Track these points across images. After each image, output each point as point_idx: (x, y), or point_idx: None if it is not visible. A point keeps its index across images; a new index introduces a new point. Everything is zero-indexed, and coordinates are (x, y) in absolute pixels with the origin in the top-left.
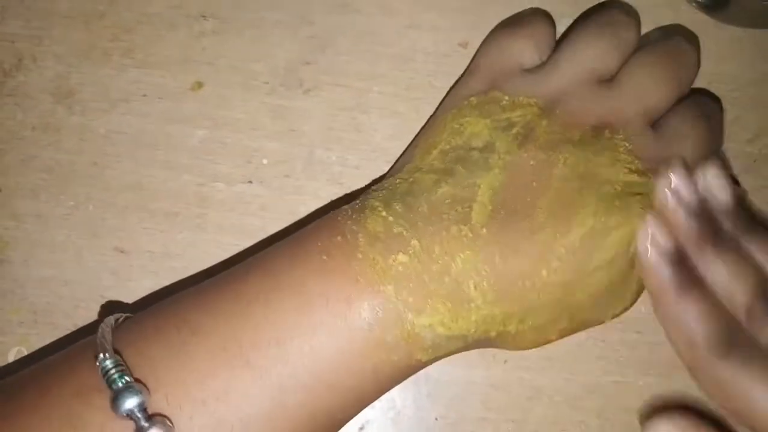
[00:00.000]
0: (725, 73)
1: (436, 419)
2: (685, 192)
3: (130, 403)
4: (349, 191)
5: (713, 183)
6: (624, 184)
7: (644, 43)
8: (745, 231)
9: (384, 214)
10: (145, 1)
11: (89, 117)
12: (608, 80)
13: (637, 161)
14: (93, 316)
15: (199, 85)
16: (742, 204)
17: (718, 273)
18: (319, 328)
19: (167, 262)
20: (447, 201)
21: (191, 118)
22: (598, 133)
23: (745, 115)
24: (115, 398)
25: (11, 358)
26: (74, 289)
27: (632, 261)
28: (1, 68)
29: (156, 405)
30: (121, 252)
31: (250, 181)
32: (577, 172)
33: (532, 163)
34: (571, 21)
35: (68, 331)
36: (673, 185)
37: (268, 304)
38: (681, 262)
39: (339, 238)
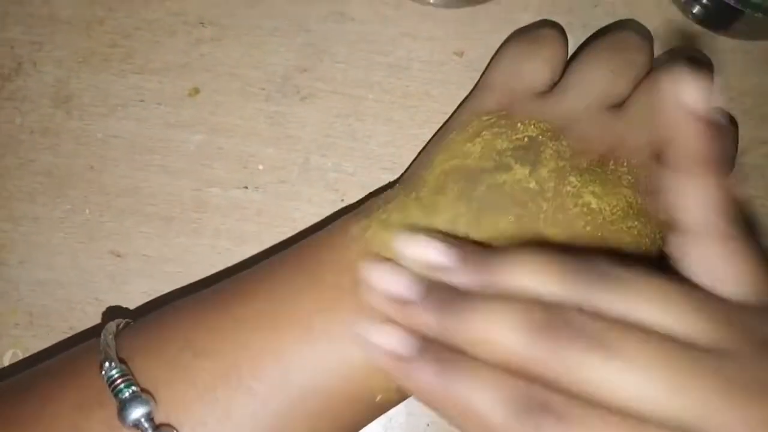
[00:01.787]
0: (721, 84)
1: (428, 425)
2: (393, 284)
3: (138, 413)
4: (344, 197)
5: (414, 256)
6: (620, 220)
7: (658, 65)
8: (485, 271)
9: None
10: (144, 7)
11: (87, 121)
12: (619, 106)
13: (637, 196)
14: (88, 318)
15: (197, 91)
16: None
17: (482, 328)
18: (324, 363)
19: (163, 266)
20: (457, 223)
21: (188, 124)
22: (604, 163)
23: (740, 125)
24: (122, 408)
25: (6, 360)
26: (70, 292)
27: None
28: (0, 73)
29: (159, 420)
30: (117, 256)
31: (246, 187)
32: (583, 202)
33: (540, 189)
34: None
35: (64, 334)
36: (378, 286)
37: (273, 335)
38: (432, 347)
39: (346, 264)
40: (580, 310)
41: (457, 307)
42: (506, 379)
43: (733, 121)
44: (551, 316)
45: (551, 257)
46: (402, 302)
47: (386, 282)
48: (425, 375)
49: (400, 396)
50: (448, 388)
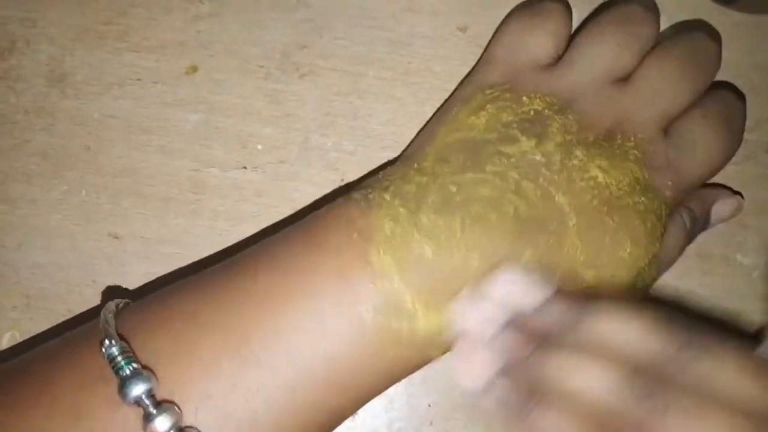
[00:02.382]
0: (727, 60)
1: (429, 406)
2: (483, 321)
3: (138, 389)
4: (344, 177)
5: (507, 298)
6: (626, 195)
7: (663, 38)
8: (578, 319)
9: (401, 210)
10: None
11: (83, 101)
12: (624, 80)
13: (644, 170)
14: (86, 301)
15: (194, 69)
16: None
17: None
18: (333, 332)
19: (161, 247)
20: (467, 198)
21: (186, 103)
22: (611, 137)
23: (747, 102)
24: (123, 385)
25: (4, 343)
26: (68, 274)
27: (633, 279)
28: None
29: (160, 396)
30: (115, 237)
31: (245, 167)
32: (590, 176)
33: (546, 161)
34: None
35: (62, 316)
36: (466, 323)
37: (280, 307)
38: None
39: (355, 235)
40: (673, 373)
41: (545, 354)
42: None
43: (740, 96)
44: (645, 376)
45: (641, 314)
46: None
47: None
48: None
49: (409, 366)
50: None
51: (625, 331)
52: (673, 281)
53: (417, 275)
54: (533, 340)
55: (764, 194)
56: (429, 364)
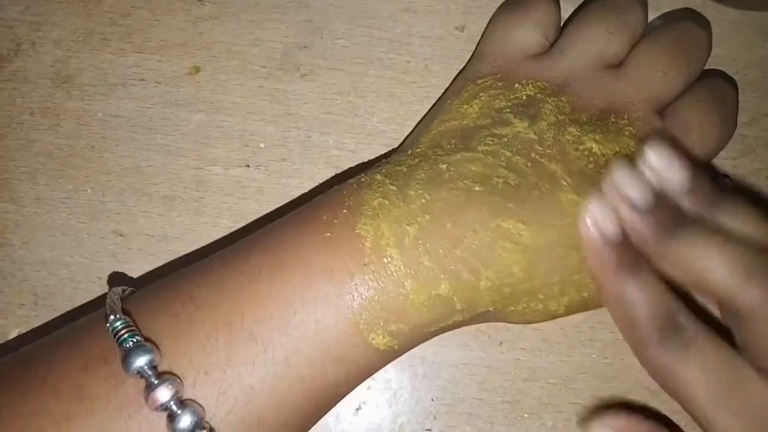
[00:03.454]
0: (723, 56)
1: (432, 400)
2: (629, 187)
3: (141, 360)
4: (346, 172)
5: (659, 166)
6: None
7: (653, 28)
8: (711, 205)
9: (391, 187)
10: None
11: (87, 101)
12: (616, 65)
13: (640, 146)
14: (92, 298)
15: (197, 69)
16: (704, 177)
17: (670, 262)
18: (324, 302)
19: (165, 245)
20: (456, 175)
21: (189, 103)
22: (605, 116)
23: (743, 97)
24: (126, 357)
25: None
26: (73, 272)
27: None
28: None
29: (161, 370)
30: (120, 235)
31: (248, 165)
32: (584, 147)
33: (539, 138)
34: (570, 6)
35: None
36: (615, 180)
37: (272, 281)
38: (624, 246)
39: (344, 211)
40: None
41: (679, 230)
42: (661, 300)
43: (732, 82)
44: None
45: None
46: (630, 204)
47: (625, 182)
48: (605, 265)
49: (403, 339)
50: (617, 285)
51: (747, 224)
52: None
53: (404, 244)
54: (669, 217)
55: (762, 188)
56: (433, 360)
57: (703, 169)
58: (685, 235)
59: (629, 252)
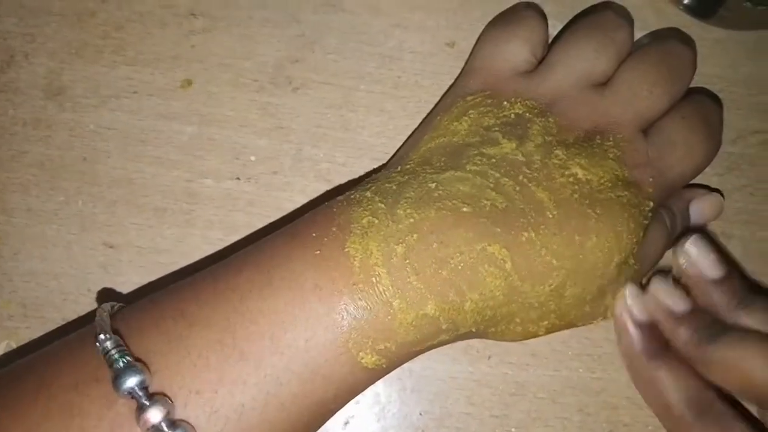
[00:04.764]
0: (709, 74)
1: (421, 414)
2: (668, 298)
3: (131, 381)
4: (336, 189)
5: (696, 260)
6: (608, 190)
7: (640, 46)
8: (740, 304)
9: (380, 205)
10: None
11: (80, 113)
12: (602, 84)
13: (624, 169)
14: (82, 309)
15: (189, 82)
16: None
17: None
18: (314, 321)
19: (155, 257)
20: (445, 194)
21: (180, 115)
22: (590, 137)
23: (728, 115)
24: (117, 378)
25: (0, 351)
26: (63, 283)
27: (617, 271)
28: None
29: (153, 390)
30: (110, 247)
31: (238, 178)
32: (570, 173)
33: (526, 161)
34: (558, 23)
35: (57, 325)
36: (655, 294)
37: (262, 299)
38: (655, 331)
39: (334, 228)
40: None
41: (717, 335)
42: (691, 381)
43: (716, 99)
44: None
45: None
46: (668, 313)
47: (664, 295)
48: (635, 349)
49: (392, 357)
50: (648, 368)
51: None
52: None
53: (392, 264)
54: (706, 321)
55: (747, 205)
56: (421, 374)
57: (733, 266)
58: (725, 339)
59: (660, 337)
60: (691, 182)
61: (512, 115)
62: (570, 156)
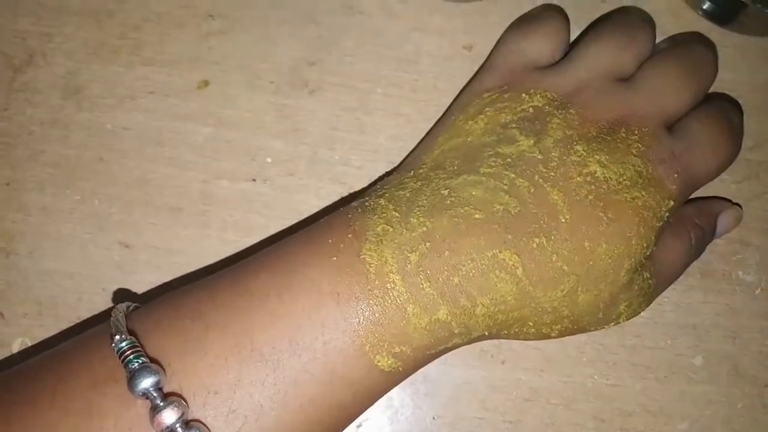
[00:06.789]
0: (728, 80)
1: (434, 418)
2: None
3: (146, 382)
4: (351, 191)
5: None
6: (625, 190)
7: (660, 49)
8: None
9: (394, 213)
10: (153, 0)
11: (97, 113)
12: (625, 80)
13: (648, 165)
14: (97, 308)
15: (206, 83)
16: None
17: None
18: (332, 325)
19: (171, 257)
20: (457, 201)
21: (197, 116)
22: (614, 130)
23: (747, 122)
24: (131, 378)
25: (15, 349)
26: (79, 282)
27: (628, 278)
28: (11, 64)
29: (168, 391)
30: (126, 246)
31: (254, 180)
32: (588, 171)
33: (544, 158)
34: (577, 29)
35: (72, 324)
36: None
37: (281, 303)
38: None
39: (350, 235)
40: None
41: None
42: None
43: (738, 107)
44: None
45: None
46: None
47: None
48: None
49: (407, 361)
50: None
51: None
52: (676, 298)
53: (406, 271)
54: None
55: (765, 213)
56: (435, 379)
57: None
58: None
59: None
60: (708, 194)
61: (530, 109)
62: (590, 152)
